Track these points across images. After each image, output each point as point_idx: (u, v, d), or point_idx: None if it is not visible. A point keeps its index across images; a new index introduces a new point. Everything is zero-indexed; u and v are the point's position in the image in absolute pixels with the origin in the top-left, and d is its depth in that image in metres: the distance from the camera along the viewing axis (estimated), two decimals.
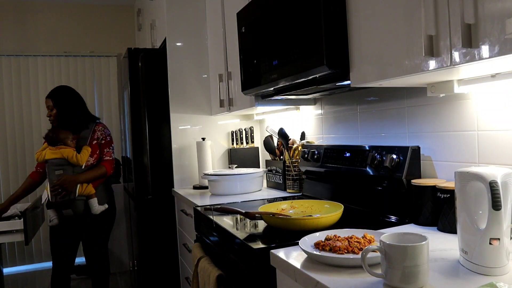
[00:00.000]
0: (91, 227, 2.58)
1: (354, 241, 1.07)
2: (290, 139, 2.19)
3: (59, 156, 2.42)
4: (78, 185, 2.44)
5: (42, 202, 2.42)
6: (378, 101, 1.72)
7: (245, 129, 2.76)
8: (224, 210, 1.65)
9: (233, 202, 2.01)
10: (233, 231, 1.45)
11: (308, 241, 1.14)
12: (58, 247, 2.58)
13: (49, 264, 3.07)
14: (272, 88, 1.75)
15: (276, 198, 2.06)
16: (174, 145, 2.73)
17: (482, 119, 1.27)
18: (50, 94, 2.60)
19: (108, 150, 2.62)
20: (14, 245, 3.86)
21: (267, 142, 2.40)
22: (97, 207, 2.53)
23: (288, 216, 1.46)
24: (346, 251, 1.03)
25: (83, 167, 2.49)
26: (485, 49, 0.83)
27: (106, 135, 2.63)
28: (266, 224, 1.47)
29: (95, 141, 2.57)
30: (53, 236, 2.59)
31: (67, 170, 2.43)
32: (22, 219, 2.42)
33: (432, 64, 0.97)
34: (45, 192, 2.50)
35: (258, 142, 2.89)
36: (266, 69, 1.68)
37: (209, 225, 1.69)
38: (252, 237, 1.36)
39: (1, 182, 3.84)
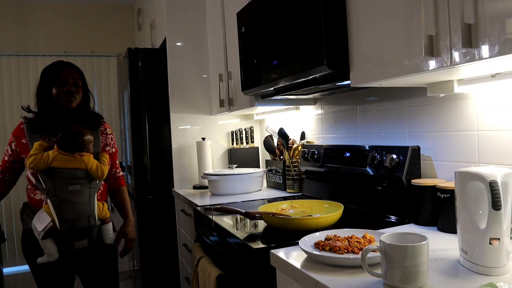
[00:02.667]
0: (101, 261, 1.87)
1: (354, 241, 1.07)
2: (290, 139, 2.19)
3: (82, 166, 1.71)
4: (96, 206, 1.76)
5: (40, 230, 1.64)
6: (378, 101, 1.72)
7: (245, 129, 2.76)
8: (224, 210, 1.65)
9: (233, 202, 2.01)
10: (233, 231, 1.45)
11: (308, 241, 1.14)
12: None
13: None
14: (272, 88, 1.75)
15: (276, 198, 2.06)
16: (174, 145, 2.73)
17: (482, 119, 1.27)
18: (74, 66, 1.87)
19: (118, 161, 2.06)
20: (14, 245, 3.87)
21: (267, 142, 2.40)
22: (112, 234, 1.84)
23: (288, 216, 1.46)
24: (346, 251, 1.03)
25: (99, 182, 1.81)
26: (485, 49, 0.83)
27: (114, 140, 2.02)
28: (266, 224, 1.47)
29: (108, 147, 1.94)
30: (42, 274, 1.78)
31: (84, 186, 1.72)
32: None
33: (432, 64, 0.97)
34: (44, 215, 1.67)
35: (258, 142, 2.89)
36: (266, 69, 1.67)
37: (209, 225, 1.69)
38: (252, 237, 1.36)
39: None
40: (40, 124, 1.79)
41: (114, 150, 1.98)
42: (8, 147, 1.83)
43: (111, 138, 1.97)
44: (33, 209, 1.75)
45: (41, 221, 1.66)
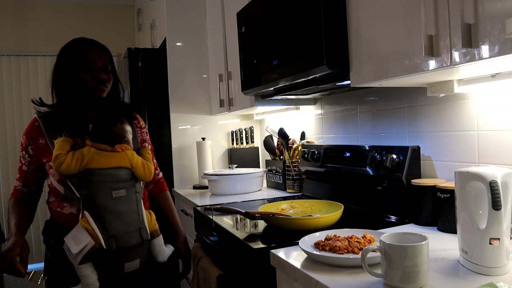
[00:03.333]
0: (150, 285, 1.52)
1: (354, 241, 1.07)
2: (290, 139, 2.19)
3: (126, 164, 1.34)
4: (145, 217, 1.39)
5: (76, 253, 1.24)
6: (378, 101, 1.72)
7: (245, 129, 2.76)
8: (224, 210, 1.65)
9: (233, 202, 2.01)
10: (233, 231, 1.45)
11: (308, 241, 1.14)
12: None
13: None
14: (272, 88, 1.75)
15: (276, 198, 2.06)
16: (174, 145, 2.73)
17: (482, 119, 1.27)
18: (101, 45, 1.49)
19: (155, 161, 1.65)
20: None
21: (267, 142, 2.40)
22: (165, 250, 1.47)
23: (288, 216, 1.46)
24: (346, 251, 1.03)
25: (143, 184, 1.44)
26: (485, 49, 0.83)
27: (149, 136, 1.66)
28: (266, 224, 1.47)
29: (145, 144, 1.60)
30: None
31: (130, 190, 1.35)
32: None
33: (432, 64, 0.97)
34: (81, 233, 1.26)
35: (258, 142, 2.89)
36: (266, 69, 1.67)
37: (209, 225, 1.69)
38: (252, 237, 1.36)
39: (1, 184, 3.84)
40: (62, 118, 1.39)
41: (150, 147, 1.60)
42: (24, 152, 1.42)
43: (146, 133, 1.61)
44: (64, 227, 1.33)
45: (78, 241, 1.26)
